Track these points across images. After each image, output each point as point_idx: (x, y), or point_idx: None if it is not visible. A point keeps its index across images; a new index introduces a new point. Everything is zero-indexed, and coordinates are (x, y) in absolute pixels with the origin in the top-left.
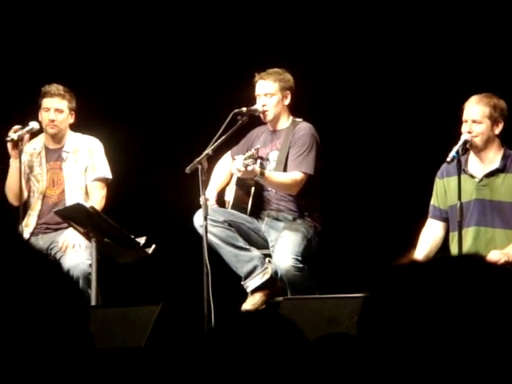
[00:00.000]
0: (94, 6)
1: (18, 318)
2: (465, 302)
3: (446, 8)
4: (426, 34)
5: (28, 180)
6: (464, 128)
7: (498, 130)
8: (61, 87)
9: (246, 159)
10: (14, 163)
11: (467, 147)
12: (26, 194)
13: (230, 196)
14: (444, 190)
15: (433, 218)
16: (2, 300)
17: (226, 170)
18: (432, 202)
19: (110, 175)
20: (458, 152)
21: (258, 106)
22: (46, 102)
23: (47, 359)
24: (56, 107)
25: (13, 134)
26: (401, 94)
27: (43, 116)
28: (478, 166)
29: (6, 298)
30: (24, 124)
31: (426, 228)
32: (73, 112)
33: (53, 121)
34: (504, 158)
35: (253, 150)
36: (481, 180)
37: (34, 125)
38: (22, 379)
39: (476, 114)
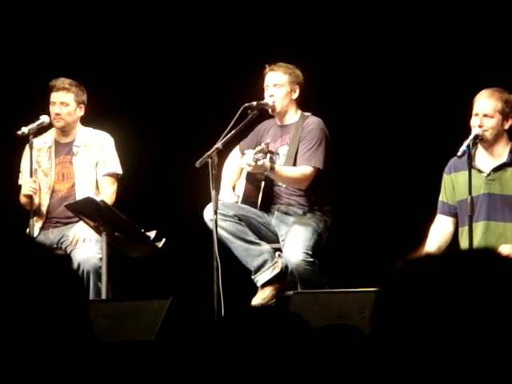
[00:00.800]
0: (105, 1)
1: (20, 310)
2: (478, 296)
3: (457, 3)
4: (436, 28)
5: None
6: (474, 121)
7: (507, 125)
8: (67, 81)
9: (256, 153)
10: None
11: (477, 141)
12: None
13: (239, 190)
14: (452, 185)
15: (442, 214)
16: (6, 293)
17: (236, 166)
18: (440, 198)
19: (120, 170)
20: (468, 146)
21: (267, 100)
22: (52, 96)
23: (48, 353)
24: (61, 101)
25: (23, 128)
26: (409, 89)
27: (50, 110)
28: (486, 161)
29: (9, 291)
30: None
31: (435, 224)
32: (82, 105)
33: (58, 114)
34: (511, 151)
35: (263, 144)
36: (489, 174)
37: (44, 119)
38: (25, 370)
39: (488, 108)
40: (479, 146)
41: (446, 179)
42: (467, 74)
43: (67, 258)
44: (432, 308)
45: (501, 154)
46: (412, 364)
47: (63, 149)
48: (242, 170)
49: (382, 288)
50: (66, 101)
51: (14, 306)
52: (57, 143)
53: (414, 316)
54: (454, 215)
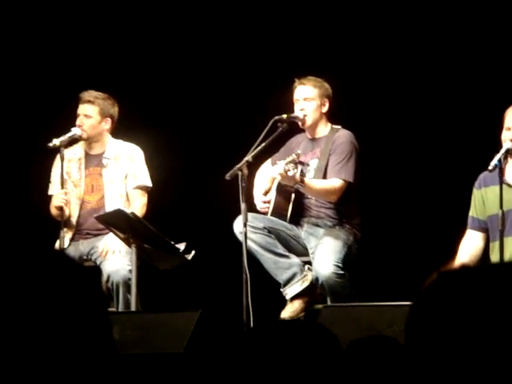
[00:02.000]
0: (134, 17)
1: (39, 322)
2: None
3: (488, 19)
4: (467, 43)
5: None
6: (506, 135)
7: None
8: (94, 93)
9: (286, 164)
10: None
11: (507, 156)
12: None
13: (259, 201)
14: (482, 200)
15: (472, 229)
16: (27, 304)
17: (268, 178)
18: (470, 213)
19: (150, 183)
20: (500, 160)
21: (297, 113)
22: (78, 109)
23: (68, 366)
24: (85, 113)
25: (55, 140)
26: (440, 104)
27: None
28: None
29: (31, 302)
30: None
31: (465, 239)
32: (108, 118)
33: (80, 126)
34: None
35: (293, 155)
36: None
37: (75, 131)
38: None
39: None
40: (509, 161)
41: (476, 194)
42: (497, 89)
43: (95, 269)
44: (467, 321)
45: None
46: (447, 377)
47: (93, 160)
48: (272, 181)
49: (416, 300)
50: (89, 113)
51: (35, 317)
52: (87, 155)
53: (449, 329)
54: (484, 230)
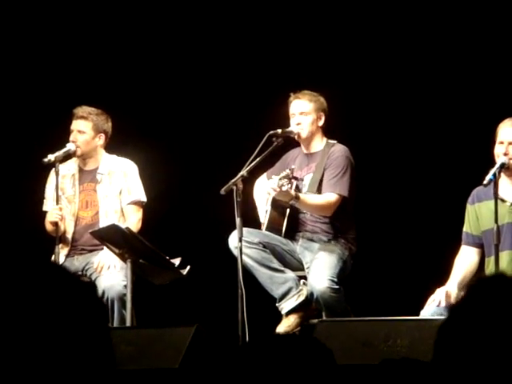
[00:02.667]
0: (126, 32)
1: (41, 335)
2: None
3: (483, 34)
4: (456, 60)
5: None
6: (499, 149)
7: None
8: (87, 109)
9: (280, 179)
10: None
11: (501, 170)
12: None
13: (264, 217)
14: (476, 215)
15: (466, 245)
16: (29, 317)
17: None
18: (464, 229)
19: (144, 198)
20: (494, 175)
21: (292, 127)
22: (72, 124)
23: (69, 379)
24: (78, 129)
25: (50, 156)
26: (432, 121)
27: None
28: (509, 190)
29: (32, 315)
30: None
31: (460, 255)
32: (101, 134)
33: (74, 142)
34: None
35: (287, 170)
36: None
37: (70, 146)
38: None
39: None
40: (502, 175)
41: (470, 210)
42: (489, 105)
43: (92, 285)
44: (503, 336)
45: None
46: None
47: (87, 176)
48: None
49: (449, 316)
50: (83, 129)
51: (37, 330)
52: (81, 170)
53: (484, 344)
54: (479, 246)
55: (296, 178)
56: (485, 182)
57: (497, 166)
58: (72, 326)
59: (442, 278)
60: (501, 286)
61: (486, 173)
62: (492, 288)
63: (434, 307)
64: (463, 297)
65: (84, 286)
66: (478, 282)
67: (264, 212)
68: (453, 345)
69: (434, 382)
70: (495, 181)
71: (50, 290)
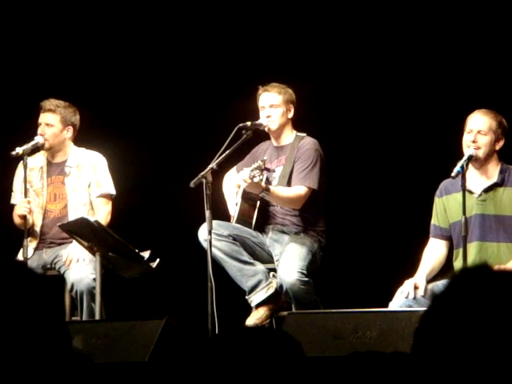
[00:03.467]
0: (96, 20)
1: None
2: None
3: (452, 24)
4: (426, 52)
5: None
6: (468, 138)
7: (498, 146)
8: (54, 102)
9: (252, 170)
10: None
11: (470, 162)
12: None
13: (234, 210)
14: (444, 208)
15: (434, 237)
16: None
17: (235, 185)
18: (432, 222)
19: (114, 191)
20: (462, 167)
21: (262, 120)
22: (40, 118)
23: (26, 369)
24: (46, 122)
25: (18, 149)
26: (401, 112)
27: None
28: (476, 181)
29: None
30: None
31: (428, 247)
32: (69, 127)
33: (42, 135)
34: (502, 172)
35: (259, 161)
36: (480, 195)
37: (39, 139)
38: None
39: (483, 124)
40: (470, 167)
41: (438, 203)
42: (457, 97)
43: (59, 278)
44: (484, 326)
45: (492, 174)
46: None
47: (55, 169)
48: (238, 188)
49: (432, 305)
50: (51, 122)
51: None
52: (49, 163)
53: (468, 331)
54: (447, 238)
55: (268, 170)
56: (453, 174)
57: (464, 158)
58: (28, 321)
59: (410, 270)
60: (483, 276)
61: (454, 165)
62: (474, 278)
63: (402, 299)
64: (446, 286)
65: (41, 281)
66: (461, 272)
67: (233, 205)
68: (434, 334)
69: (414, 371)
70: (463, 173)
71: (5, 287)
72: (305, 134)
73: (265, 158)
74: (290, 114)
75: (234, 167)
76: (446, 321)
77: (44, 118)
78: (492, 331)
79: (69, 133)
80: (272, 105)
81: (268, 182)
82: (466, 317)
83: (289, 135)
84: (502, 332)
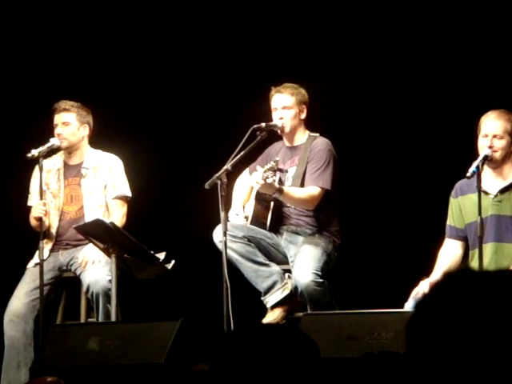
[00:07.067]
0: (112, 25)
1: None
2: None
3: (467, 26)
4: (438, 53)
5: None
6: (484, 142)
7: None
8: (68, 102)
9: (265, 171)
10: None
11: (484, 162)
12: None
13: (249, 211)
14: (459, 209)
15: (450, 238)
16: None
17: (246, 187)
18: (448, 222)
19: (129, 193)
20: (478, 167)
21: (276, 121)
22: (54, 119)
23: None
24: (63, 121)
25: (33, 151)
26: (416, 113)
27: (54, 132)
28: (492, 182)
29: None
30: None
31: (443, 248)
32: (86, 125)
33: (59, 135)
34: None
35: (272, 162)
36: (495, 196)
37: (54, 141)
38: None
39: (498, 128)
40: (485, 168)
41: (453, 203)
42: (471, 98)
43: (77, 279)
44: (468, 331)
45: (507, 175)
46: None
47: (72, 171)
48: (251, 191)
49: (418, 308)
50: (67, 120)
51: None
52: (66, 165)
53: (454, 332)
54: (463, 239)
55: (281, 170)
56: (468, 174)
57: (480, 158)
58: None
59: (426, 270)
60: (465, 281)
61: (469, 165)
62: (456, 283)
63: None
64: (428, 292)
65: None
66: (443, 277)
67: (240, 208)
68: (419, 339)
69: (407, 373)
70: (478, 173)
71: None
72: (318, 134)
73: (277, 158)
74: (303, 115)
75: (246, 169)
76: (427, 326)
77: (59, 118)
78: (474, 334)
79: (86, 130)
80: (285, 106)
81: (281, 182)
82: (447, 321)
83: (302, 136)
84: (485, 335)
